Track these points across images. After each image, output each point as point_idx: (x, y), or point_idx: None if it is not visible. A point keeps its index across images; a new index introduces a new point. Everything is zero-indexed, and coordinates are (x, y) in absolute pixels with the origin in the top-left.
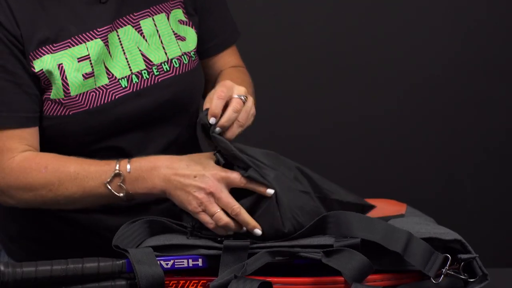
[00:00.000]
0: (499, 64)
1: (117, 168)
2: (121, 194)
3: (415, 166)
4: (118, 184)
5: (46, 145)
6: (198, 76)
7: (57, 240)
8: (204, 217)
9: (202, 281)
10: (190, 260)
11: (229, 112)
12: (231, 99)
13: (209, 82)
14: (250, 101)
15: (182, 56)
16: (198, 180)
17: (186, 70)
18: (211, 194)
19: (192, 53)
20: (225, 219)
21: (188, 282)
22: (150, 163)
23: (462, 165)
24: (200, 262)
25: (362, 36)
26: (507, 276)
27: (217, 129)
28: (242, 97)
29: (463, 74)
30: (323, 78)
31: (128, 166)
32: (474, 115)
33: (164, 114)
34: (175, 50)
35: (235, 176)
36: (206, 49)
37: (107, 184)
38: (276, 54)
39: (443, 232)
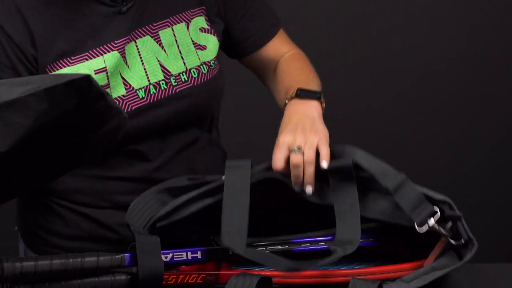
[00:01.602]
0: (503, 60)
1: None
2: None
3: (417, 161)
4: None
5: None
6: (217, 85)
7: (74, 234)
8: None
9: (201, 275)
10: (189, 253)
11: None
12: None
13: (267, 72)
14: (308, 148)
15: (201, 66)
16: None
17: (205, 79)
18: None
19: (212, 62)
20: None
21: (188, 276)
22: None
23: (466, 159)
24: (199, 255)
25: (362, 33)
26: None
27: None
28: (296, 150)
29: (468, 69)
30: (324, 75)
31: None
32: (478, 110)
33: (182, 122)
34: (193, 60)
35: None
36: (244, 47)
37: None
38: None
39: (434, 192)
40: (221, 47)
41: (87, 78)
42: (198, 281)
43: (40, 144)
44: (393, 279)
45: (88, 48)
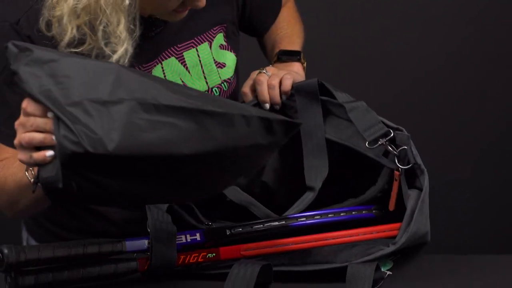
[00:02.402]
0: (501, 58)
1: None
2: (32, 180)
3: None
4: (31, 169)
5: None
6: (236, 99)
7: (80, 227)
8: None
9: (202, 254)
10: (188, 236)
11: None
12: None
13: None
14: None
15: (222, 84)
16: None
17: (226, 96)
18: None
19: (231, 78)
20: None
21: (189, 256)
22: None
23: (462, 155)
24: (198, 237)
25: (358, 32)
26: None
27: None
28: (264, 71)
29: (465, 67)
30: (323, 73)
31: None
32: (475, 107)
33: None
34: (215, 78)
35: None
36: (266, 28)
37: (25, 172)
38: None
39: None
40: (243, 30)
41: (297, 125)
42: (199, 260)
43: (213, 161)
44: (386, 242)
45: None
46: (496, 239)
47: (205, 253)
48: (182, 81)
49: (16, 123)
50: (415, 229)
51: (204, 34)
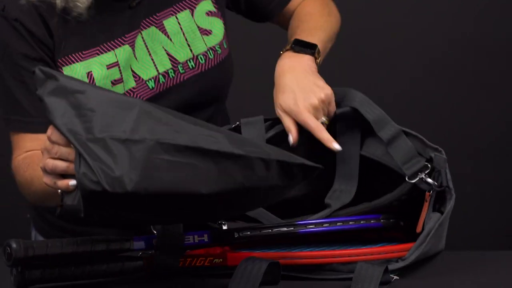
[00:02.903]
0: (505, 54)
1: None
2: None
3: None
4: None
5: None
6: (226, 68)
7: (84, 218)
8: None
9: (209, 258)
10: (196, 236)
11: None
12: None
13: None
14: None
15: (208, 51)
16: None
17: (213, 64)
18: None
19: (217, 46)
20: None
21: (195, 259)
22: None
23: (463, 150)
24: (205, 238)
25: (358, 28)
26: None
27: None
28: None
29: (465, 62)
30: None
31: None
32: (475, 103)
33: (192, 107)
34: (200, 46)
35: None
36: (270, 10)
37: None
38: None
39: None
40: (246, 15)
41: (316, 169)
42: (205, 264)
43: (229, 199)
44: (396, 259)
45: (100, 42)
46: (496, 236)
47: (212, 258)
48: (165, 49)
49: (42, 147)
50: (426, 249)
51: (184, 2)
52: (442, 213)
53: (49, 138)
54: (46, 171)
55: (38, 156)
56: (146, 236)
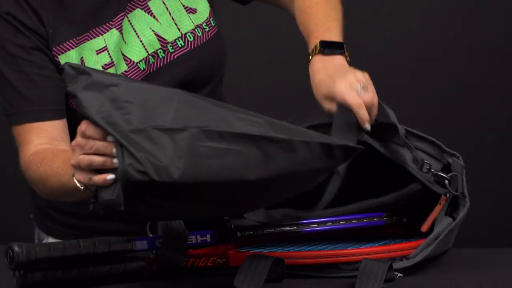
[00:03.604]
0: (500, 47)
1: None
2: (82, 187)
3: None
4: None
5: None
6: (216, 46)
7: (86, 212)
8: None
9: (212, 258)
10: (198, 236)
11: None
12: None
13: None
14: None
15: (196, 29)
16: None
17: (201, 42)
18: None
19: (204, 24)
20: None
21: (198, 259)
22: None
23: (462, 145)
24: (208, 238)
25: (355, 24)
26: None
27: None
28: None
29: (462, 58)
30: None
31: None
32: (474, 95)
33: (186, 87)
34: (187, 24)
35: None
36: None
37: (73, 177)
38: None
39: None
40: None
41: (357, 150)
42: (208, 264)
43: (273, 184)
44: (400, 258)
45: (89, 28)
46: (501, 233)
47: (215, 258)
48: (153, 30)
49: (73, 143)
50: (433, 252)
51: None
52: (453, 218)
53: (83, 133)
54: (79, 167)
55: (52, 152)
56: (149, 237)
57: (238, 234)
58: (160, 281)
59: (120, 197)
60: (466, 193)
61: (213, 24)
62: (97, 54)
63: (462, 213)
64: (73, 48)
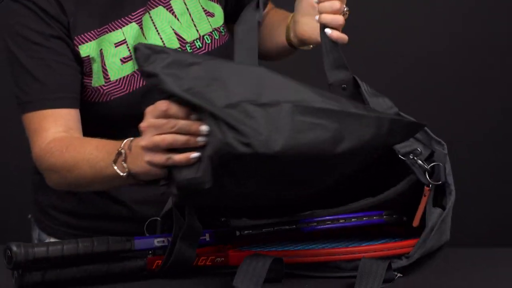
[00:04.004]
0: (500, 43)
1: (121, 146)
2: (123, 174)
3: None
4: (121, 162)
5: (86, 129)
6: (229, 50)
7: (88, 212)
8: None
9: (211, 257)
10: (199, 238)
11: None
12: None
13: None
14: None
15: (213, 32)
16: None
17: (218, 45)
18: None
19: (221, 28)
20: None
21: (197, 258)
22: None
23: (461, 145)
24: (207, 237)
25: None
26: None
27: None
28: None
29: (463, 54)
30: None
31: (129, 144)
32: (473, 90)
33: None
34: (206, 26)
35: None
36: None
37: (113, 164)
38: None
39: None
40: (229, 17)
41: (422, 126)
42: (207, 263)
43: (349, 159)
44: (400, 256)
45: (109, 20)
46: (500, 233)
47: (214, 257)
48: (173, 29)
49: (144, 125)
50: (430, 245)
51: None
52: (443, 208)
53: (164, 113)
54: (155, 148)
55: (78, 139)
56: (148, 236)
57: (237, 233)
58: (159, 281)
59: (206, 174)
60: (449, 181)
61: (226, 30)
62: (116, 47)
63: (449, 201)
64: (93, 39)
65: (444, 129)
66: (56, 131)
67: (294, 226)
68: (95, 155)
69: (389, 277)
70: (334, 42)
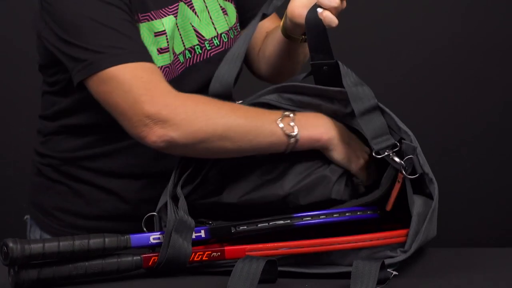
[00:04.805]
0: (498, 40)
1: (285, 113)
2: (294, 133)
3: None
4: (290, 123)
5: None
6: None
7: (95, 213)
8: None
9: (207, 252)
10: (193, 232)
11: None
12: None
13: (252, 49)
14: None
15: (230, 31)
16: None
17: (232, 44)
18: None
19: (236, 26)
20: None
21: (193, 254)
22: (316, 117)
23: (462, 145)
24: (202, 234)
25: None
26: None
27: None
28: None
29: (461, 55)
30: None
31: (296, 114)
32: (473, 88)
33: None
34: (223, 25)
35: None
36: (244, 19)
37: (278, 122)
38: None
39: (401, 123)
40: None
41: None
42: (203, 258)
43: None
44: (392, 247)
45: (150, 9)
46: (496, 233)
47: (210, 252)
48: (192, 26)
49: None
50: (424, 238)
51: None
52: (428, 196)
53: None
54: None
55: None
56: (144, 233)
57: (233, 229)
58: (156, 279)
59: None
60: (426, 170)
61: (239, 29)
62: (155, 36)
63: (435, 190)
64: (139, 23)
65: (444, 129)
66: (168, 84)
67: (289, 221)
68: (253, 112)
69: (384, 276)
70: (320, 24)
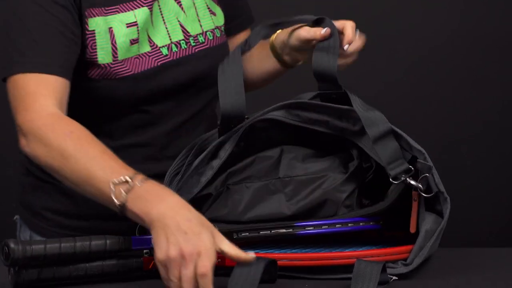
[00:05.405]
0: (497, 38)
1: (130, 176)
2: (118, 202)
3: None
4: (122, 190)
5: (84, 107)
6: (227, 50)
7: (84, 212)
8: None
9: None
10: None
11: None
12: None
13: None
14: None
15: (215, 30)
16: (185, 238)
17: (218, 43)
18: (183, 258)
19: (222, 27)
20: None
21: None
22: (161, 192)
23: (461, 137)
24: None
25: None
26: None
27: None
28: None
29: (465, 43)
30: None
31: (140, 183)
32: (472, 85)
33: (198, 85)
34: (209, 23)
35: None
36: (228, 28)
37: (111, 184)
38: None
39: (414, 141)
40: None
41: None
42: None
43: None
44: (394, 261)
45: (121, 1)
46: (496, 233)
47: None
48: (178, 21)
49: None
50: (427, 254)
51: None
52: (438, 213)
53: None
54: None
55: (87, 133)
56: (146, 236)
57: (234, 235)
58: (157, 281)
59: None
60: (441, 189)
61: (225, 33)
62: (127, 27)
63: (446, 210)
64: (101, 16)
65: (443, 127)
66: (52, 103)
67: (291, 230)
68: (98, 161)
69: (383, 279)
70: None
